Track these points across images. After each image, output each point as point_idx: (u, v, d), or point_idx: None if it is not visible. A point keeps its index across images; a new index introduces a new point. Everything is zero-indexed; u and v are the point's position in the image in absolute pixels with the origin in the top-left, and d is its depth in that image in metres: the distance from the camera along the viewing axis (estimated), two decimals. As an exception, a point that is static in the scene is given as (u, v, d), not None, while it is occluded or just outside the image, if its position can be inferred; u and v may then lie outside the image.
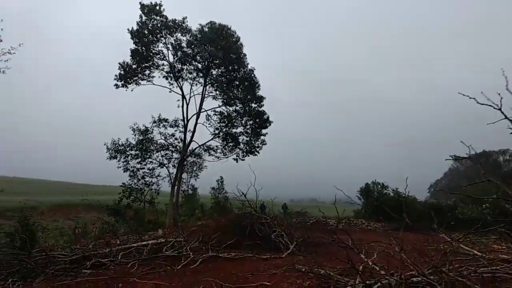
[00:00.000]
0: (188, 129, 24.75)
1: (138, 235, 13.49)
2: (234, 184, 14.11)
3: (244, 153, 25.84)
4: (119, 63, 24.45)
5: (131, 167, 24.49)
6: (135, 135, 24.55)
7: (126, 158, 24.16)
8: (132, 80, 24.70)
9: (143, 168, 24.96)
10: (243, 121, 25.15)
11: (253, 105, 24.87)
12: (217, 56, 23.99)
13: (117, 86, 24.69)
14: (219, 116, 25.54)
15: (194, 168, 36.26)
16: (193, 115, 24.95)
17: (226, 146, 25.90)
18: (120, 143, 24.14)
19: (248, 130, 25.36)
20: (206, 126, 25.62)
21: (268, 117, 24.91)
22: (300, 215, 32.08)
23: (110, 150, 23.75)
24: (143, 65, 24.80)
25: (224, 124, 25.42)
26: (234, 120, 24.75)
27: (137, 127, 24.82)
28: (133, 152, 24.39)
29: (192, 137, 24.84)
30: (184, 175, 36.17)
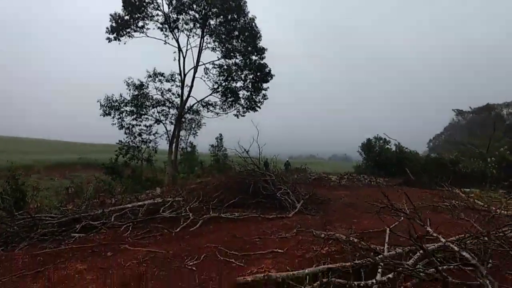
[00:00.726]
0: (185, 84, 23.49)
1: (134, 195, 12.81)
2: (233, 142, 13.22)
3: (245, 109, 24.69)
4: (111, 15, 22.85)
5: (127, 124, 23.47)
6: (129, 90, 23.28)
7: (121, 115, 23.05)
8: (124, 32, 23.12)
9: (139, 125, 23.91)
10: (243, 75, 23.72)
11: (254, 57, 23.36)
12: (215, 4, 22.24)
13: (109, 39, 23.20)
14: (218, 69, 23.98)
15: (193, 126, 35.37)
16: (191, 69, 23.60)
17: (226, 102, 24.62)
18: (114, 99, 22.90)
19: (248, 85, 24.00)
20: (204, 81, 24.14)
21: (270, 71, 23.51)
22: (301, 171, 31.81)
23: (104, 107, 22.57)
24: (136, 16, 23.09)
25: (223, 78, 23.86)
26: (234, 74, 23.32)
27: (131, 81, 23.47)
28: (128, 109, 23.23)
29: (189, 92, 23.54)
30: (183, 133, 35.36)
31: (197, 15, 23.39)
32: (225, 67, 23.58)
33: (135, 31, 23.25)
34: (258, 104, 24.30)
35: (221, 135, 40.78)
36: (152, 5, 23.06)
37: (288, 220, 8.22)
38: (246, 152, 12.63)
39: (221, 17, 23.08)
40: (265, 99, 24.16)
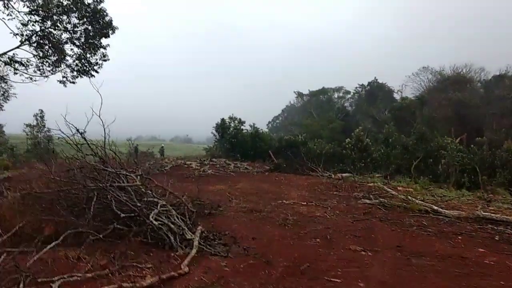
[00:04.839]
0: (-29, 25, 14.47)
1: None
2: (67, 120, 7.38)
3: (75, 73, 17.35)
4: None
5: None
6: None
7: None
8: None
9: None
10: (70, 25, 16.20)
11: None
12: None
13: None
14: (27, 3, 14.92)
15: (-4, 96, 25.48)
16: None
17: (45, 60, 16.56)
18: None
19: (80, 38, 16.60)
20: (4, 21, 15.00)
21: (111, 21, 16.71)
22: (149, 156, 27.14)
23: None
24: None
25: (39, 19, 15.26)
26: (54, 12, 15.19)
27: None
28: None
29: None
30: (-22, 106, 25.19)
31: None
32: (40, 1, 14.92)
33: None
34: (95, 67, 17.24)
35: (41, 111, 31.67)
36: None
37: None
38: (80, 133, 7.11)
39: None
40: (105, 60, 17.11)
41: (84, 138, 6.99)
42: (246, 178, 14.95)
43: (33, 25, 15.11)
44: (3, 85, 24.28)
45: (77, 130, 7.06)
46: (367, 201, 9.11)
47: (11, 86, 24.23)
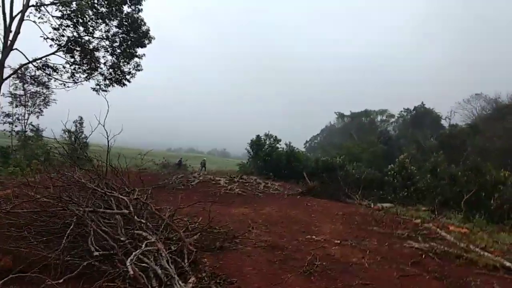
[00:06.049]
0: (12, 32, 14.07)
1: None
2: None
3: (108, 81, 17.04)
4: None
5: None
6: None
7: None
8: None
9: None
10: (110, 33, 15.79)
11: (126, 8, 15.72)
12: None
13: None
14: (60, 6, 14.38)
15: (37, 102, 25.99)
16: (19, 12, 14.49)
17: (79, 66, 16.17)
18: None
19: (114, 45, 16.22)
20: (38, 25, 14.63)
21: (148, 30, 16.33)
22: (180, 168, 26.61)
23: None
24: None
25: (71, 24, 14.75)
26: (88, 17, 14.64)
27: None
28: None
29: (13, 40, 14.18)
30: (20, 111, 25.84)
31: None
32: (75, 4, 14.29)
33: None
34: (128, 77, 16.91)
35: (81, 118, 32.01)
36: None
37: None
38: (77, 143, 6.23)
39: None
40: (139, 70, 16.71)
41: (82, 149, 6.11)
42: (275, 201, 13.61)
43: (64, 29, 14.79)
44: (44, 90, 24.89)
45: (75, 138, 6.22)
46: (414, 244, 7.51)
47: (52, 92, 24.74)
